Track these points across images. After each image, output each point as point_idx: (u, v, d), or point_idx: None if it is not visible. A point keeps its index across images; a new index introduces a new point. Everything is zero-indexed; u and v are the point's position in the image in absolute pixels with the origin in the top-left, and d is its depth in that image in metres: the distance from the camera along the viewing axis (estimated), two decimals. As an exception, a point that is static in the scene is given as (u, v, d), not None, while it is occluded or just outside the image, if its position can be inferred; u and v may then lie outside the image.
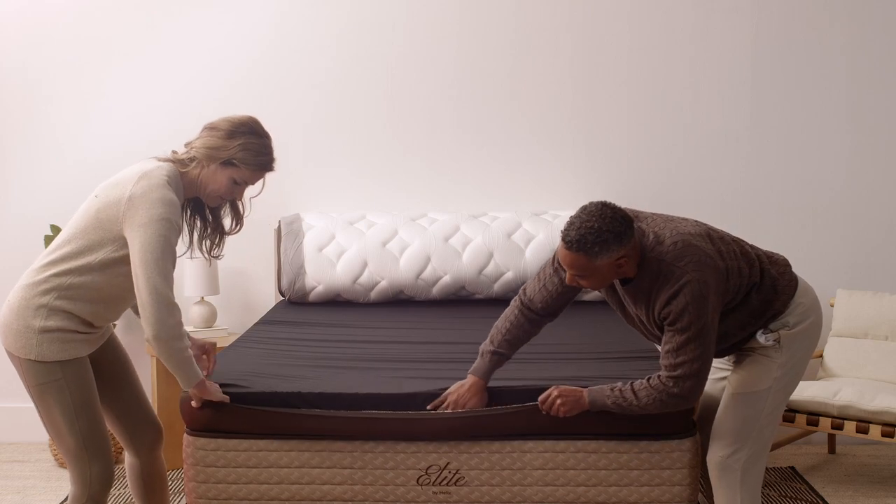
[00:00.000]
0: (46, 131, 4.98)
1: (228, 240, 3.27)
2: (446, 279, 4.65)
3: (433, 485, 3.20)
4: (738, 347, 3.14)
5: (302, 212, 4.87)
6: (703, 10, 4.92)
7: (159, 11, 4.93)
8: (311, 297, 4.67)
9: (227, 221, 3.21)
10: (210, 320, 4.74)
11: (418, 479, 3.20)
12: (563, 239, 2.90)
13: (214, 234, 3.20)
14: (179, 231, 2.96)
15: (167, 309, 2.85)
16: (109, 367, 3.18)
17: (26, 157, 4.99)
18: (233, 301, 5.02)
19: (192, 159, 3.01)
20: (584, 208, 2.91)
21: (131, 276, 2.91)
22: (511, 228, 4.72)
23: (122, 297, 3.02)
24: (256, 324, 4.28)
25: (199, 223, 3.20)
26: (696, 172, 4.96)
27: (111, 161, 4.91)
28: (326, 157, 5.01)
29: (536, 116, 4.98)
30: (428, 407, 3.17)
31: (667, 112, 4.96)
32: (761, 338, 3.06)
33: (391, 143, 5.01)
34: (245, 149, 2.99)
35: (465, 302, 4.71)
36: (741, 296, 3.03)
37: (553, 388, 3.11)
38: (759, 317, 3.06)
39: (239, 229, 3.22)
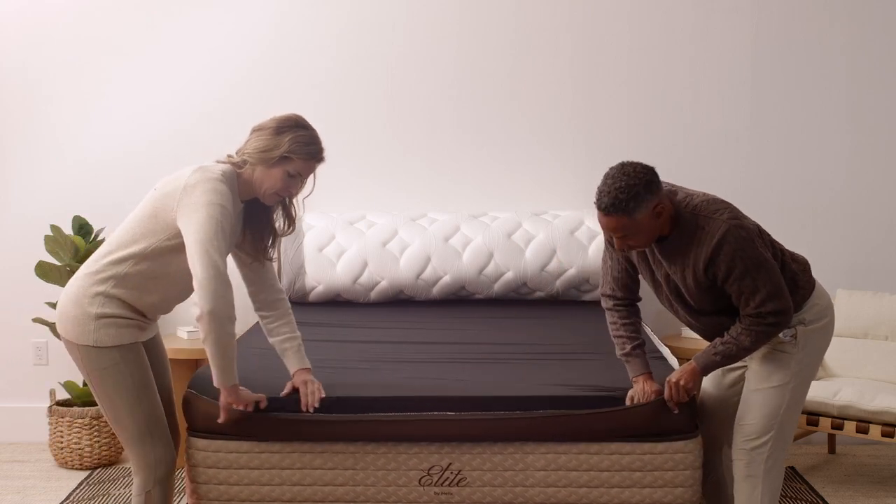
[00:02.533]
0: (46, 131, 4.97)
1: None
2: (446, 279, 4.65)
3: (435, 485, 3.20)
4: None
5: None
6: (703, 10, 4.92)
7: (159, 11, 4.92)
8: (311, 296, 4.67)
9: (278, 224, 3.21)
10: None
11: (420, 480, 3.21)
12: (599, 207, 2.95)
13: (268, 236, 3.20)
14: (231, 221, 2.97)
15: (223, 284, 2.85)
16: (153, 364, 3.20)
17: (26, 157, 4.98)
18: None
19: (244, 162, 3.04)
20: (606, 175, 2.97)
21: (183, 267, 2.96)
22: (511, 228, 4.72)
23: (175, 289, 3.06)
24: (256, 324, 4.28)
25: (251, 229, 3.18)
26: (696, 172, 4.96)
27: (111, 161, 4.93)
28: (326, 157, 4.99)
29: (536, 116, 4.98)
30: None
31: (667, 112, 4.96)
32: (780, 333, 3.09)
33: (391, 143, 5.00)
34: (295, 141, 3.02)
35: (466, 302, 4.71)
36: None
37: (667, 381, 3.13)
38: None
39: (292, 230, 3.23)
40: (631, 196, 2.90)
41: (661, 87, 4.96)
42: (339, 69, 4.97)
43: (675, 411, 3.14)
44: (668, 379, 3.14)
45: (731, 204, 3.07)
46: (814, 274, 3.24)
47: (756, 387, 3.16)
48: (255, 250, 3.21)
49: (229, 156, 3.08)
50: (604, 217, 2.96)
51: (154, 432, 3.06)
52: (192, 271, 2.86)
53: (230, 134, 4.90)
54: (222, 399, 3.03)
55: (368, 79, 4.97)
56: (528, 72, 4.96)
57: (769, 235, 3.15)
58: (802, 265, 3.20)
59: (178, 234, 2.96)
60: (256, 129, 3.08)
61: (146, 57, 4.94)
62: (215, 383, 2.99)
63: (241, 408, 3.07)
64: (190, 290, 3.08)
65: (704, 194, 3.10)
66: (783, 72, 4.92)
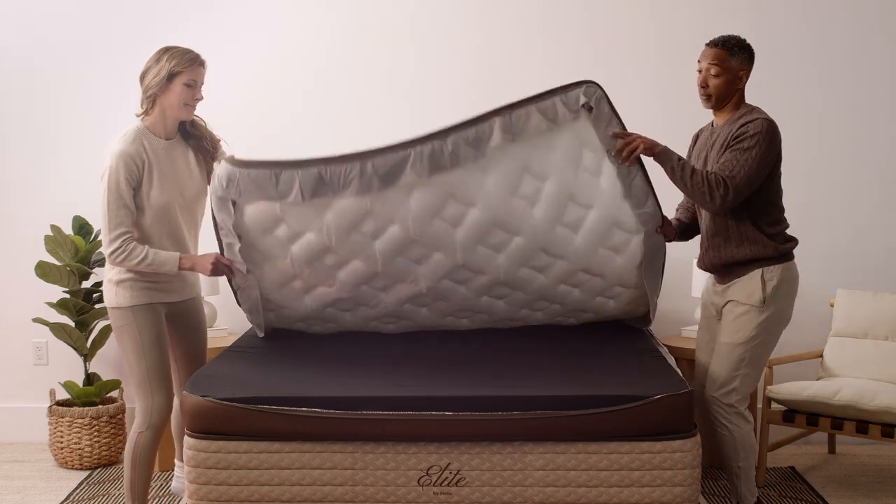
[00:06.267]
0: (46, 131, 4.98)
1: None
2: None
3: (434, 485, 3.21)
4: (733, 267, 3.64)
5: None
6: (703, 10, 4.92)
7: (161, 13, 4.93)
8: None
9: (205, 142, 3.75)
10: (210, 320, 4.74)
11: (419, 480, 3.21)
12: (711, 42, 3.63)
13: (210, 151, 3.74)
14: (130, 172, 3.47)
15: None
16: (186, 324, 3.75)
17: (26, 157, 4.98)
18: (233, 301, 4.98)
19: (148, 104, 3.55)
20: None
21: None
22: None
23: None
24: (252, 328, 4.27)
25: (200, 151, 3.71)
26: (696, 172, 4.96)
27: (111, 161, 4.93)
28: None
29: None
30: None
31: (667, 113, 4.95)
32: (758, 286, 3.58)
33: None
34: (173, 57, 3.52)
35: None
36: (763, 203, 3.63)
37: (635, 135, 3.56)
38: (759, 243, 3.60)
39: (220, 144, 3.76)
40: (739, 44, 3.60)
41: (661, 88, 4.95)
42: (344, 77, 4.98)
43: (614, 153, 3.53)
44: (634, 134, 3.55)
45: None
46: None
47: (724, 339, 3.65)
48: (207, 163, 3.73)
49: (136, 115, 3.59)
50: (709, 49, 3.62)
51: (154, 384, 3.56)
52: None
53: (229, 134, 4.92)
54: (189, 269, 3.60)
55: (372, 92, 4.98)
56: (528, 73, 4.96)
57: (779, 174, 3.71)
58: (791, 238, 3.68)
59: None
60: (142, 75, 3.56)
61: (146, 57, 4.93)
62: (176, 270, 3.56)
63: (208, 267, 3.58)
64: (177, 231, 3.61)
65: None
66: (783, 71, 4.92)
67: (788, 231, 3.69)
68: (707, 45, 3.66)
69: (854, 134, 4.95)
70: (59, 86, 4.96)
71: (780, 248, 3.60)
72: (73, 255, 4.62)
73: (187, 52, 3.56)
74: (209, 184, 3.67)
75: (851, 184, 4.96)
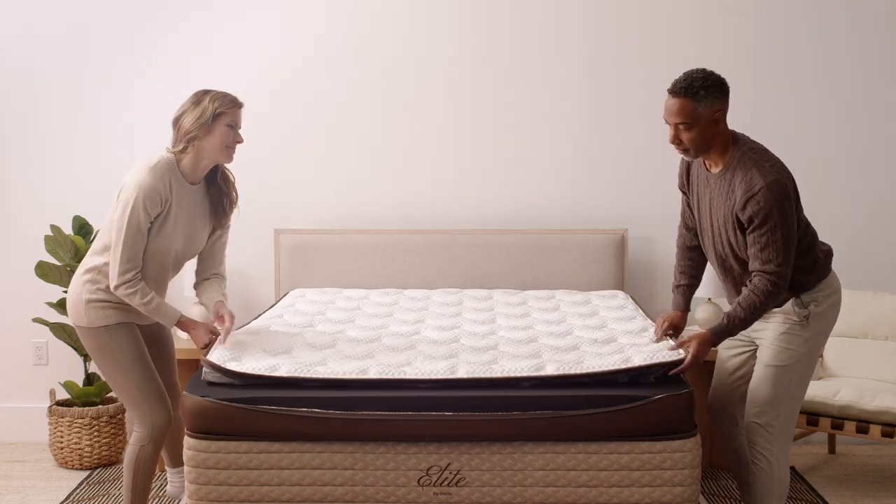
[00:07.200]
0: (46, 131, 4.97)
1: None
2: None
3: (434, 485, 3.21)
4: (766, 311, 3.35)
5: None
6: (703, 10, 4.91)
7: (159, 13, 4.92)
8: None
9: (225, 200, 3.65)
10: (210, 320, 4.72)
11: (419, 480, 3.21)
12: (671, 89, 3.19)
13: (221, 211, 3.64)
14: (154, 208, 3.37)
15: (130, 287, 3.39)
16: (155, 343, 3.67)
17: (26, 157, 4.98)
18: (232, 301, 4.97)
19: (185, 146, 3.43)
20: (689, 70, 3.23)
21: (148, 259, 3.45)
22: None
23: (147, 275, 3.45)
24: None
25: (214, 207, 3.61)
26: (696, 172, 4.96)
27: (111, 161, 4.92)
28: (319, 166, 5.01)
29: (537, 122, 4.98)
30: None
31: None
32: (796, 308, 3.30)
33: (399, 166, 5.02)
34: (214, 98, 3.44)
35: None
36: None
37: (688, 352, 3.30)
38: (792, 283, 3.27)
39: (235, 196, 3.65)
40: (704, 85, 3.13)
41: (660, 88, 4.93)
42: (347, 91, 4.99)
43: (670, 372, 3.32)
44: (689, 353, 3.31)
45: (783, 164, 3.27)
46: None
47: (768, 362, 3.35)
48: (217, 219, 3.63)
49: (168, 149, 3.48)
50: (671, 100, 3.18)
51: (149, 398, 3.47)
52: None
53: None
54: (189, 334, 3.55)
55: (380, 103, 4.99)
56: (529, 78, 4.96)
57: (802, 212, 3.32)
58: (826, 251, 3.39)
59: None
60: (177, 119, 3.45)
61: (146, 57, 4.94)
62: (169, 326, 3.56)
63: (205, 334, 3.50)
64: (162, 277, 3.53)
65: (762, 145, 3.31)
66: (783, 72, 4.92)
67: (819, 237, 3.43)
68: (670, 92, 3.21)
69: (854, 134, 4.95)
70: (59, 86, 4.95)
71: (818, 274, 3.33)
72: (73, 255, 4.62)
73: (226, 94, 3.48)
74: (210, 237, 3.65)
75: (851, 184, 4.96)
